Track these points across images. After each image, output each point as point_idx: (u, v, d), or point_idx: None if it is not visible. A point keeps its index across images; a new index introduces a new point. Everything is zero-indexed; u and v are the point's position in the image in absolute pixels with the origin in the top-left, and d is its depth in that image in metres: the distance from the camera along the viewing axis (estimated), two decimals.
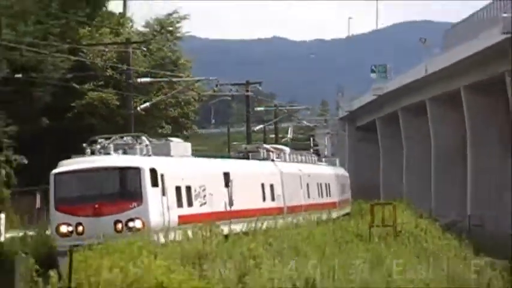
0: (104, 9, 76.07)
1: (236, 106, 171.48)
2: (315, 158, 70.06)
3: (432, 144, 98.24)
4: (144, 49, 64.94)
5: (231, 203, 38.43)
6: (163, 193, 31.67)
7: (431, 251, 40.07)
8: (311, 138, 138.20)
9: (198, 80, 73.47)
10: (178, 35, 76.49)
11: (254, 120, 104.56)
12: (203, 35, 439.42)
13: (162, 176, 31.82)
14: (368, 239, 40.33)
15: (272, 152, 51.53)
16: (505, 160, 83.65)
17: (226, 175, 39.17)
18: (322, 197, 58.63)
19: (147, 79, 61.95)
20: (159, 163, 32.69)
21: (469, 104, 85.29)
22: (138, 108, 59.85)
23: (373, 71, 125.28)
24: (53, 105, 63.15)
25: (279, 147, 59.73)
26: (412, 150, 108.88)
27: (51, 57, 61.66)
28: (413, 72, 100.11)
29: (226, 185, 38.78)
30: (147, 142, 34.76)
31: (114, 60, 65.54)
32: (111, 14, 76.49)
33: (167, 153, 35.63)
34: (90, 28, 68.20)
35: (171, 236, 28.88)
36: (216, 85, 73.03)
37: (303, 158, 60.39)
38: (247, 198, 40.77)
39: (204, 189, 35.90)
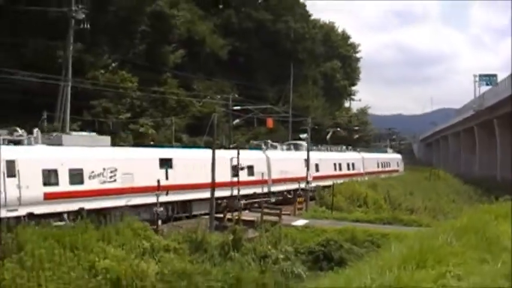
0: None
1: None
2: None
3: None
4: None
5: (168, 178, 47.64)
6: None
7: None
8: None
9: None
10: None
11: None
12: None
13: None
14: None
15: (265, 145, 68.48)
16: None
17: (164, 160, 49.11)
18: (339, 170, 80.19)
19: None
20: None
21: None
22: None
23: None
24: None
25: (298, 142, 77.19)
26: None
27: None
28: None
29: (162, 167, 48.38)
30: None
31: None
32: None
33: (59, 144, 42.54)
34: None
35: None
36: None
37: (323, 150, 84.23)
38: (186, 176, 49.67)
39: (112, 171, 43.46)
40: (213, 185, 48.22)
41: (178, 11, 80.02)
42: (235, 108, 74.63)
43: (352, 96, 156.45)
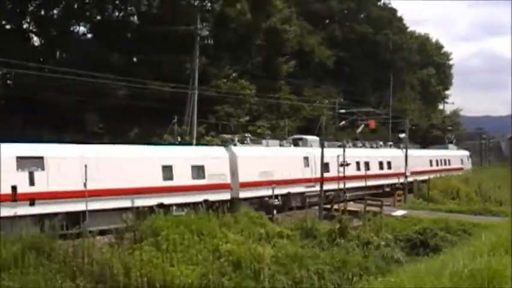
0: None
1: None
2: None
3: None
4: None
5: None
6: None
7: None
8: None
9: None
10: None
11: None
12: None
13: None
14: None
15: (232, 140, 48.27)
16: None
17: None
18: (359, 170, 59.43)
19: None
20: None
21: None
22: None
23: None
24: None
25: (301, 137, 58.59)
26: None
27: None
28: None
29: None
30: None
31: None
32: None
33: None
34: None
35: None
36: None
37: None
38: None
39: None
40: (321, 179, 48.23)
41: (290, 26, 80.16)
42: (341, 111, 74.17)
43: (446, 100, 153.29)
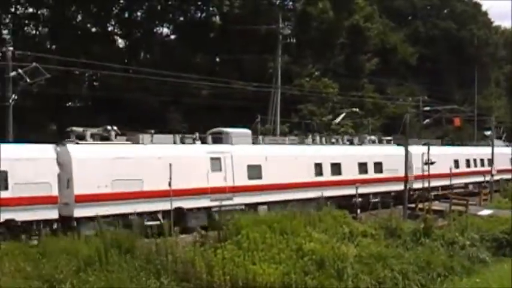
0: None
1: None
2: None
3: None
4: None
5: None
6: None
7: None
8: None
9: None
10: None
11: None
12: None
13: None
14: None
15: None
16: None
17: None
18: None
19: None
20: None
21: None
22: None
23: None
24: None
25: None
26: None
27: None
28: None
29: None
30: None
31: None
32: None
33: None
34: None
35: None
36: None
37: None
38: None
39: None
40: (405, 178, 47.38)
41: (372, 24, 79.22)
42: (425, 109, 72.84)
43: None
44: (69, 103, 64.55)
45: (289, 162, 41.71)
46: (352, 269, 30.51)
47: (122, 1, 67.07)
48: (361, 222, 40.36)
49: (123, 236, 26.92)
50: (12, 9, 63.81)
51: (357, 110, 66.56)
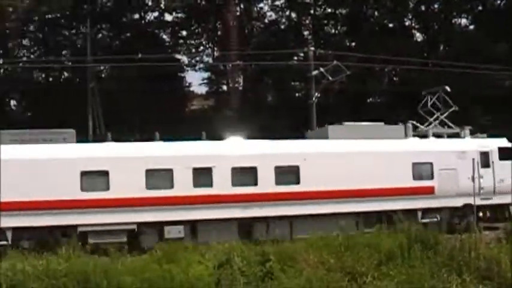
0: None
1: None
2: None
3: None
4: None
5: None
6: None
7: None
8: None
9: None
10: None
11: None
12: None
13: None
14: None
15: None
16: None
17: None
18: None
19: None
20: None
21: None
22: None
23: None
24: None
25: None
26: None
27: None
28: None
29: None
30: None
31: None
32: None
33: None
34: None
35: None
36: None
37: None
38: None
39: None
40: None
41: None
42: None
43: None
44: (370, 99, 65.44)
45: None
46: None
47: None
48: None
49: (428, 232, 26.58)
50: (312, 11, 66.34)
51: None
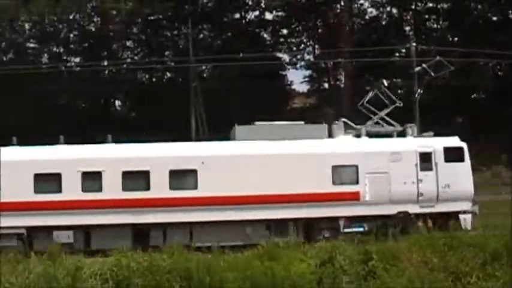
0: None
1: None
2: None
3: None
4: None
5: None
6: None
7: None
8: None
9: None
10: None
11: None
12: None
13: None
14: None
15: None
16: None
17: None
18: None
19: None
20: None
21: None
22: None
23: None
24: None
25: None
26: None
27: None
28: None
29: None
30: None
31: None
32: None
33: None
34: None
35: None
36: None
37: None
38: None
39: None
40: None
41: None
42: None
43: None
44: (474, 95, 63.94)
45: None
46: None
47: None
48: None
49: None
50: (413, 6, 65.42)
51: None
